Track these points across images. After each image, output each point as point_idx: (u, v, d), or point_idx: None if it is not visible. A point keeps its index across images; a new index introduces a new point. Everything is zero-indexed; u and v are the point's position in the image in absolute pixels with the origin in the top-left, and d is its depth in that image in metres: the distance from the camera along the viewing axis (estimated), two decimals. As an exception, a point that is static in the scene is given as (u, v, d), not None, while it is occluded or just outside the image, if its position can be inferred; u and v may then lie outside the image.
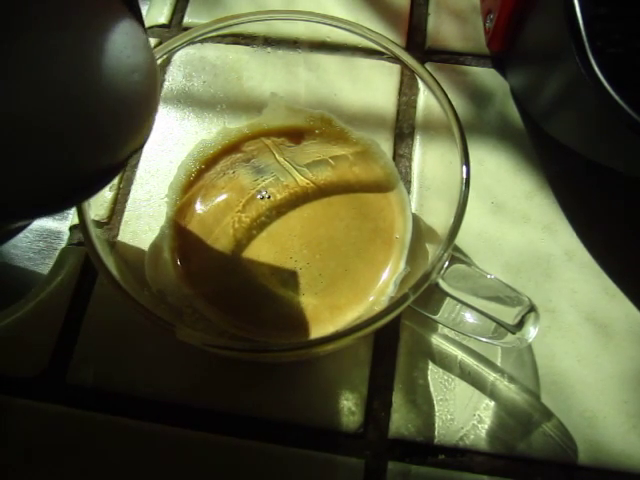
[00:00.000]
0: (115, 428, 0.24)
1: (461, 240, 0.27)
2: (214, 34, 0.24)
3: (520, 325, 0.20)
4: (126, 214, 0.26)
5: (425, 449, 0.23)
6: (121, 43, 0.14)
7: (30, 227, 0.30)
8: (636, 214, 0.27)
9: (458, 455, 0.23)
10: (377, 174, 0.27)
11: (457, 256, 0.20)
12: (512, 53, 0.30)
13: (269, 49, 0.27)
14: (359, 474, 0.23)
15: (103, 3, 0.13)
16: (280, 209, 0.26)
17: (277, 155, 0.27)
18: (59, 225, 0.29)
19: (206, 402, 0.24)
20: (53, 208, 0.15)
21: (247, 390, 0.24)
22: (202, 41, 0.24)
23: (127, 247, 0.25)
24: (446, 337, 0.25)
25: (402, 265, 0.24)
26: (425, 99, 0.27)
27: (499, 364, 0.24)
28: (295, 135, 0.28)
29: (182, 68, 0.26)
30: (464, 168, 0.20)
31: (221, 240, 0.25)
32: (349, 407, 0.24)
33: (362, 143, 0.27)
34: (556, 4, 0.23)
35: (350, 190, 0.26)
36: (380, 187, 0.26)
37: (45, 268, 0.28)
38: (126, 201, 0.26)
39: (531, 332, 0.20)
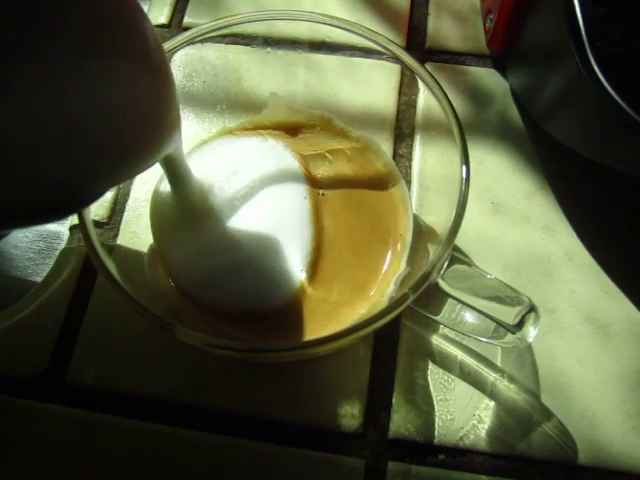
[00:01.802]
0: (115, 428, 0.24)
1: (461, 240, 0.27)
2: (214, 34, 0.24)
3: (520, 325, 0.20)
4: (126, 214, 0.26)
5: (425, 449, 0.23)
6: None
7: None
8: (636, 214, 0.27)
9: (458, 455, 0.23)
10: (378, 170, 0.26)
11: (457, 256, 0.20)
12: (512, 53, 0.30)
13: (269, 49, 0.27)
14: (359, 474, 0.23)
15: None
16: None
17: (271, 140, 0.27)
18: (59, 225, 0.29)
19: (206, 402, 0.24)
20: (58, 215, 0.15)
21: (247, 390, 0.24)
22: (202, 41, 0.24)
23: (127, 247, 0.25)
24: (446, 337, 0.25)
25: (403, 264, 0.24)
26: (425, 99, 0.27)
27: (499, 364, 0.24)
28: (293, 129, 0.27)
29: (182, 68, 0.26)
30: (464, 168, 0.20)
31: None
32: (349, 407, 0.24)
33: (362, 141, 0.27)
34: (556, 4, 0.23)
35: (350, 185, 0.26)
36: (381, 184, 0.26)
37: (45, 268, 0.28)
38: (126, 201, 0.26)
39: (531, 332, 0.20)
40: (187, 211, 0.24)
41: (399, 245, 0.25)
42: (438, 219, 0.23)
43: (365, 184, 0.26)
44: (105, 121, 0.13)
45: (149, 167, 0.18)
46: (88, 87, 0.12)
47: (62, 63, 0.12)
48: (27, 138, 0.12)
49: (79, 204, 0.16)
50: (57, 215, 0.15)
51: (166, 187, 0.24)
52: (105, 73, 0.13)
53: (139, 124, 0.15)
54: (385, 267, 0.24)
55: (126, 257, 0.24)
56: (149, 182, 0.26)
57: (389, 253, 0.25)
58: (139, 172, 0.17)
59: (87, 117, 0.13)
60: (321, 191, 0.25)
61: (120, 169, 0.16)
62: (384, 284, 0.24)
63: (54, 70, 0.11)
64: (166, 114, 0.16)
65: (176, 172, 0.22)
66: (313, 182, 0.26)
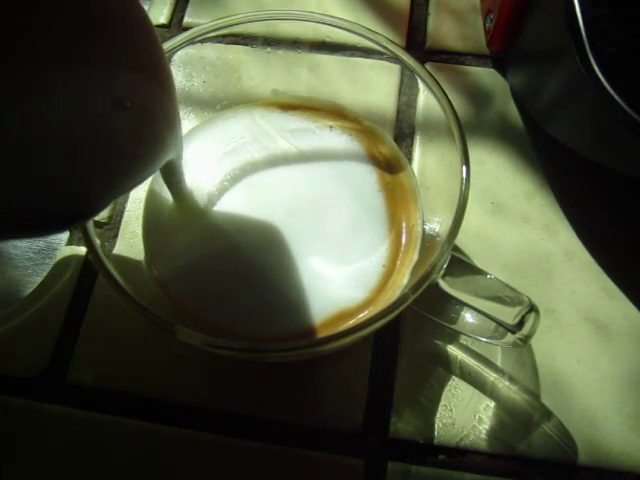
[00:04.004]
0: (115, 428, 0.24)
1: (461, 240, 0.27)
2: (214, 34, 0.24)
3: (520, 325, 0.20)
4: (126, 214, 0.26)
5: (425, 449, 0.23)
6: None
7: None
8: (636, 214, 0.27)
9: (458, 455, 0.23)
10: (385, 154, 0.26)
11: (457, 256, 0.20)
12: (512, 53, 0.30)
13: (269, 49, 0.27)
14: (359, 474, 0.23)
15: None
16: (261, 169, 0.25)
17: (258, 118, 0.26)
18: (59, 225, 0.29)
19: (206, 402, 0.24)
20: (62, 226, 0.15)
21: (247, 390, 0.24)
22: (202, 41, 0.24)
23: (127, 247, 0.25)
24: (446, 337, 0.25)
25: (416, 256, 0.24)
26: (425, 99, 0.27)
27: (499, 364, 0.24)
28: (286, 105, 0.27)
29: (182, 68, 0.26)
30: (464, 168, 0.20)
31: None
32: (349, 407, 0.24)
33: (364, 125, 0.26)
34: (556, 4, 0.23)
35: (353, 165, 0.25)
36: (390, 168, 0.25)
37: (45, 268, 0.28)
38: (126, 201, 0.26)
39: (531, 332, 0.20)
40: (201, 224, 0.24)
41: (413, 235, 0.24)
42: (438, 219, 0.23)
43: (371, 162, 0.25)
44: (116, 128, 0.14)
45: (152, 173, 0.18)
46: (104, 96, 0.13)
47: (86, 72, 0.12)
48: (50, 142, 0.12)
49: (89, 213, 0.16)
50: (66, 224, 0.15)
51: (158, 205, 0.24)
52: (120, 85, 0.13)
53: (143, 133, 0.15)
54: (399, 259, 0.24)
55: (126, 257, 0.24)
56: (149, 182, 0.26)
57: (403, 243, 0.24)
58: (141, 181, 0.17)
59: (100, 125, 0.13)
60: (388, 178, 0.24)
61: (126, 177, 0.16)
62: (399, 276, 0.24)
63: (79, 79, 0.12)
64: (170, 122, 0.17)
65: (175, 178, 0.22)
66: (381, 165, 0.25)
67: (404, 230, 0.24)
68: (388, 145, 0.26)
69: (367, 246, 0.23)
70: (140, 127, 0.15)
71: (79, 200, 0.14)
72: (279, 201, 0.24)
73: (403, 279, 0.23)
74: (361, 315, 0.22)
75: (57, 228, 0.15)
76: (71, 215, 0.15)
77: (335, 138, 0.26)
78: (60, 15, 0.11)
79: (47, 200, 0.13)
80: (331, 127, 0.26)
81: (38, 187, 0.13)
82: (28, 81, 0.11)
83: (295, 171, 0.25)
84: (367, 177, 0.25)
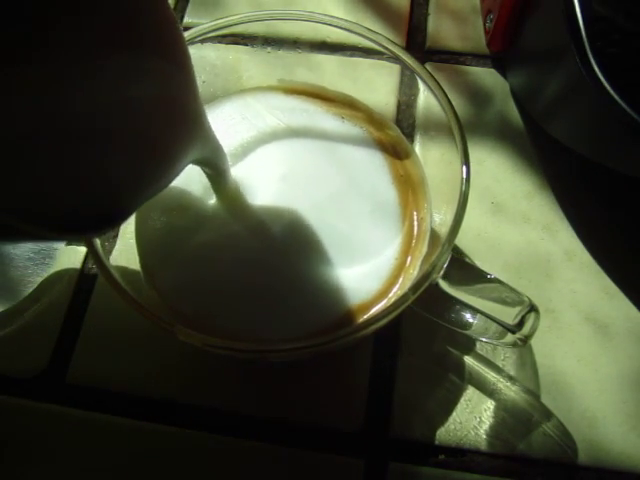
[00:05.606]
0: (115, 428, 0.24)
1: (461, 240, 0.27)
2: (214, 34, 0.24)
3: (520, 325, 0.20)
4: (126, 214, 0.26)
5: (425, 449, 0.23)
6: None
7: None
8: (636, 214, 0.27)
9: (458, 455, 0.23)
10: (390, 138, 0.26)
11: (457, 256, 0.20)
12: (512, 53, 0.30)
13: (269, 49, 0.27)
14: (359, 474, 0.23)
15: None
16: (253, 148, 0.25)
17: (249, 98, 0.26)
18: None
19: (206, 402, 0.24)
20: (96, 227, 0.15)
21: (247, 390, 0.24)
22: (202, 41, 0.24)
23: (127, 247, 0.25)
24: (446, 337, 0.25)
25: (425, 248, 0.23)
26: (425, 99, 0.27)
27: (499, 364, 0.24)
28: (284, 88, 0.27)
29: (182, 68, 0.26)
30: (464, 168, 0.20)
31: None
32: (349, 407, 0.24)
33: (366, 111, 0.26)
34: (556, 4, 0.23)
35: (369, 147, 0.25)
36: (396, 153, 0.25)
37: (45, 268, 0.28)
38: (126, 201, 0.26)
39: (531, 332, 0.20)
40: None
41: (423, 227, 0.24)
42: (438, 219, 0.23)
43: (382, 148, 0.25)
44: (149, 119, 0.14)
45: (182, 169, 0.17)
46: (136, 83, 0.13)
47: (124, 59, 0.12)
48: (81, 133, 0.12)
49: (121, 215, 0.15)
50: (101, 227, 0.15)
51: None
52: (152, 74, 0.13)
53: (172, 126, 0.15)
54: (410, 251, 0.24)
55: (126, 257, 0.24)
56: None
57: (415, 236, 0.24)
58: (171, 179, 0.17)
59: (133, 115, 0.13)
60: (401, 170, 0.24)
61: (156, 173, 0.15)
62: (410, 268, 0.23)
63: (118, 66, 0.12)
64: (194, 113, 0.16)
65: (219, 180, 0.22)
66: (387, 150, 0.25)
67: (415, 222, 0.24)
68: (397, 137, 0.26)
69: (382, 240, 0.23)
70: (169, 119, 0.14)
71: (112, 198, 0.14)
72: (298, 194, 0.24)
73: (414, 271, 0.23)
74: (376, 308, 0.22)
75: (86, 231, 0.15)
76: (102, 217, 0.14)
77: (348, 130, 0.26)
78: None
79: (71, 200, 0.13)
80: (343, 118, 0.26)
81: (67, 184, 0.12)
82: (71, 67, 0.11)
83: (311, 164, 0.25)
84: (380, 170, 0.24)
